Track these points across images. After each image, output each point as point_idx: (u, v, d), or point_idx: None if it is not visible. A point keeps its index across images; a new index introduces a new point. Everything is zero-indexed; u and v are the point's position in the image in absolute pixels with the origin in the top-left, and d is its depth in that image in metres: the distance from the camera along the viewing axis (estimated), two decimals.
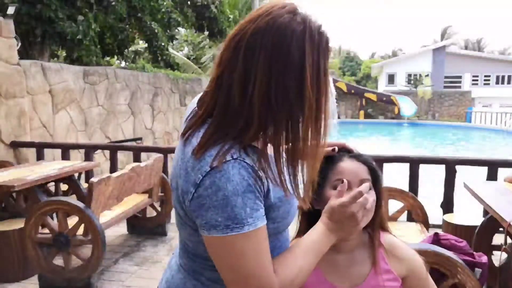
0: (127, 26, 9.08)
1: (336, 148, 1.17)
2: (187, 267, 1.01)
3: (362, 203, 0.97)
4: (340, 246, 1.16)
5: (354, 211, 0.96)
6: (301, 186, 0.97)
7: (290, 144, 0.88)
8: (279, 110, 0.84)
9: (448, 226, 3.31)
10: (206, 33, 11.85)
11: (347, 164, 1.12)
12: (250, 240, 0.84)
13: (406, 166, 4.03)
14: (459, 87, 27.86)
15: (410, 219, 3.51)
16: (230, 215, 0.81)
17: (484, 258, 1.96)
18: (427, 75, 26.34)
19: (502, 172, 3.75)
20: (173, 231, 4.39)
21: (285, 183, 0.89)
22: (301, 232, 1.22)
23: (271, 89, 0.83)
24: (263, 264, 0.86)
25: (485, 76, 28.40)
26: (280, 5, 0.87)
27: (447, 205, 3.96)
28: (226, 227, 0.82)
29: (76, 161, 4.83)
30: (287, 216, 0.96)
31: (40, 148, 4.97)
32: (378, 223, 1.16)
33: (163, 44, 9.88)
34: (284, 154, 0.89)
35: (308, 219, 1.21)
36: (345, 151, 1.19)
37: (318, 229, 0.98)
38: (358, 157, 1.14)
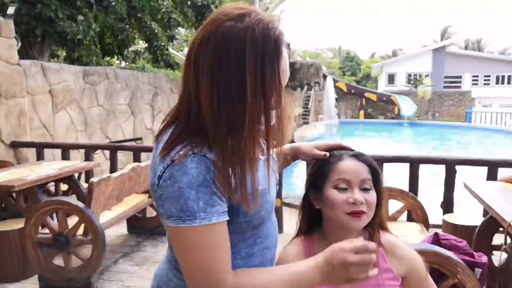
0: (127, 26, 9.07)
1: (328, 154, 1.16)
2: (170, 258, 1.04)
3: (362, 259, 0.88)
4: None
5: (351, 260, 0.88)
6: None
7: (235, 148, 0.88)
8: (222, 118, 0.85)
9: (448, 226, 3.31)
10: None
11: (348, 164, 1.11)
12: (202, 234, 0.85)
13: (406, 166, 4.03)
14: (459, 87, 27.85)
15: (410, 219, 3.51)
16: (182, 207, 0.84)
17: (484, 258, 1.96)
18: (427, 75, 26.35)
19: (502, 172, 3.75)
20: None
21: (232, 186, 0.88)
22: (301, 231, 1.23)
23: (214, 98, 0.85)
24: (215, 260, 0.87)
25: (485, 76, 28.40)
26: (224, 12, 0.88)
27: (447, 205, 3.96)
28: (179, 218, 0.85)
29: (76, 161, 4.83)
30: (260, 210, 0.96)
31: (40, 148, 4.97)
32: (377, 223, 1.16)
33: (163, 44, 9.88)
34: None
35: (308, 219, 1.22)
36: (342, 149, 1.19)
37: (308, 263, 0.93)
38: (359, 157, 1.14)
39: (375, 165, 1.15)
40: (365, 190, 1.10)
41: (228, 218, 0.89)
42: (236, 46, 0.84)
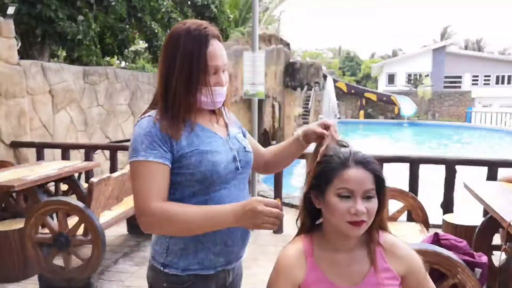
0: (127, 26, 9.06)
1: (326, 133, 1.31)
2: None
3: (270, 211, 1.12)
4: (339, 245, 1.17)
5: (260, 209, 1.12)
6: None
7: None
8: (163, 87, 1.27)
9: (448, 226, 3.31)
10: None
11: (353, 173, 1.10)
12: (142, 167, 1.19)
13: (406, 166, 4.03)
14: (459, 87, 27.85)
15: (410, 219, 3.51)
16: (133, 147, 1.22)
17: (484, 258, 1.96)
18: (427, 75, 26.35)
19: (502, 172, 3.75)
20: None
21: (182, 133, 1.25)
22: (304, 229, 1.23)
23: (161, 75, 1.28)
24: (146, 189, 1.19)
25: (485, 76, 28.39)
26: (183, 22, 1.31)
27: (447, 205, 3.96)
28: (131, 156, 1.22)
29: (76, 161, 4.82)
30: (200, 165, 1.23)
31: (40, 148, 4.97)
32: (377, 224, 1.17)
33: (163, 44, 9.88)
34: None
35: (310, 216, 1.22)
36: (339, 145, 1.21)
37: (226, 206, 1.19)
38: (366, 165, 1.12)
39: (380, 173, 1.14)
40: (367, 198, 1.10)
41: (165, 163, 1.21)
42: (176, 36, 1.26)
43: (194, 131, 1.27)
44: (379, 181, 1.13)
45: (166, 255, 1.28)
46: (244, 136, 1.46)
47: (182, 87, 1.24)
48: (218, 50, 1.27)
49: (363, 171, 1.11)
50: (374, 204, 1.11)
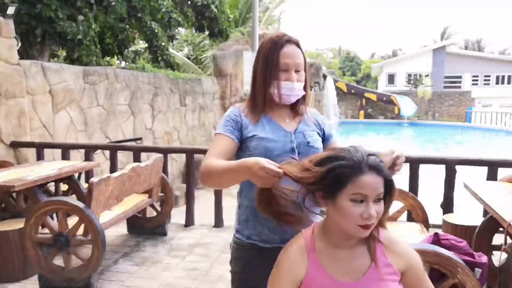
0: (127, 26, 9.05)
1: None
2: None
3: (270, 170, 1.19)
4: (341, 242, 1.19)
5: (263, 174, 1.20)
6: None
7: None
8: (253, 84, 1.61)
9: (448, 226, 3.31)
10: (206, 33, 11.82)
11: (367, 179, 1.11)
12: (215, 138, 1.55)
13: (406, 166, 4.03)
14: (459, 87, 27.83)
15: (410, 219, 3.51)
16: (218, 125, 1.59)
17: (484, 258, 1.96)
18: (427, 75, 26.33)
19: (502, 172, 3.74)
20: (173, 231, 4.39)
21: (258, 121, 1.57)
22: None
23: (253, 74, 1.61)
24: (211, 151, 1.51)
25: (485, 76, 28.38)
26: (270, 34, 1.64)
27: (447, 205, 3.96)
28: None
29: (76, 161, 4.82)
30: (256, 149, 1.51)
31: (40, 148, 4.97)
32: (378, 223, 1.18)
33: (163, 44, 9.86)
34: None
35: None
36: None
37: (244, 160, 1.33)
38: (378, 171, 1.13)
39: (391, 178, 1.16)
40: (377, 201, 1.13)
41: (231, 136, 1.53)
42: (261, 46, 1.58)
43: (262, 122, 1.56)
44: (388, 185, 1.15)
45: (238, 223, 1.60)
46: (324, 136, 1.67)
47: (260, 81, 1.55)
48: (291, 52, 1.54)
49: (376, 176, 1.12)
50: (382, 206, 1.14)
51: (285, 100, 1.56)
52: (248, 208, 1.54)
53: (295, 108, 1.62)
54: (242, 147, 1.55)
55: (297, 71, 1.54)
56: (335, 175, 1.13)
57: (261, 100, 1.55)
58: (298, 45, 1.57)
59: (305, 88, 1.60)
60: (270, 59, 1.52)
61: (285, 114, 1.61)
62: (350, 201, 1.11)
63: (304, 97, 1.62)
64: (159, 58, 10.06)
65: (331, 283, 1.15)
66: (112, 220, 3.38)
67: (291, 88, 1.53)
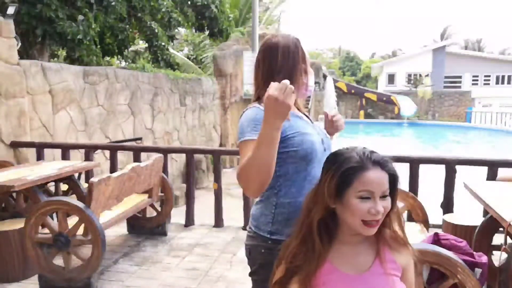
0: (127, 26, 9.05)
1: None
2: (264, 198, 1.57)
3: (279, 86, 1.23)
4: (346, 238, 1.21)
5: (271, 90, 1.23)
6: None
7: None
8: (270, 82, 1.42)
9: (448, 226, 3.31)
10: (207, 33, 11.82)
11: (373, 174, 1.13)
12: (247, 146, 1.40)
13: (406, 166, 4.03)
14: (459, 87, 27.84)
15: (410, 219, 3.50)
16: (241, 130, 1.48)
17: (484, 258, 1.96)
18: (427, 75, 26.33)
19: (502, 172, 3.74)
20: (173, 231, 4.39)
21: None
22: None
23: (263, 72, 1.59)
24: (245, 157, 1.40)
25: (485, 76, 28.38)
26: (268, 36, 1.64)
27: (447, 205, 3.96)
28: (239, 137, 1.48)
29: (76, 161, 4.82)
30: (302, 143, 1.48)
31: (40, 148, 4.96)
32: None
33: (163, 44, 9.86)
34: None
35: (323, 215, 1.22)
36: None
37: (260, 129, 1.33)
38: (383, 166, 1.16)
39: (395, 173, 1.18)
40: (383, 197, 1.15)
41: None
42: (272, 43, 1.57)
43: (293, 117, 1.49)
44: (392, 180, 1.17)
45: (272, 224, 1.50)
46: None
47: (287, 75, 1.49)
48: (306, 53, 1.62)
49: (380, 172, 1.15)
50: (388, 202, 1.16)
51: (310, 92, 1.63)
52: (291, 205, 1.48)
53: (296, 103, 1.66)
54: (280, 146, 1.41)
55: None
56: (342, 176, 1.15)
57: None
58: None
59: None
60: (296, 52, 1.56)
61: (294, 109, 1.62)
62: (357, 198, 1.13)
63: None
64: (159, 58, 10.06)
65: (337, 275, 1.17)
66: (112, 220, 3.38)
67: (313, 81, 1.63)
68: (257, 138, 1.33)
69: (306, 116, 1.67)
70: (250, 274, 1.57)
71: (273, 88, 1.25)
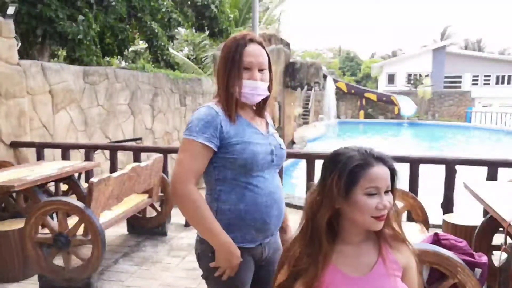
0: (127, 26, 9.05)
1: None
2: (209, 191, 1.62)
3: (227, 266, 1.46)
4: (348, 238, 1.21)
5: (224, 268, 1.47)
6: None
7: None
8: (218, 83, 1.56)
9: (448, 226, 3.31)
10: (207, 33, 11.82)
11: (378, 171, 1.15)
12: (190, 144, 1.44)
13: (406, 166, 4.03)
14: (459, 87, 27.84)
15: (410, 219, 3.50)
16: (189, 127, 1.48)
17: (484, 258, 1.96)
18: (427, 75, 26.33)
19: (502, 172, 3.74)
20: (173, 231, 4.39)
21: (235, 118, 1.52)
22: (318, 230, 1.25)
23: (217, 73, 1.55)
24: (188, 164, 1.44)
25: (485, 76, 28.37)
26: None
27: (447, 205, 3.96)
28: (185, 133, 1.48)
29: (76, 161, 4.82)
30: (243, 152, 1.46)
31: (40, 148, 4.97)
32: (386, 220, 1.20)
33: (163, 44, 9.86)
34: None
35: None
36: None
37: (224, 235, 1.46)
38: (385, 161, 1.18)
39: (394, 167, 1.20)
40: (386, 192, 1.17)
41: (211, 146, 1.45)
42: (225, 45, 1.54)
43: (240, 123, 1.50)
44: (392, 175, 1.19)
45: None
46: None
47: (224, 80, 1.50)
48: (254, 50, 1.51)
49: (383, 167, 1.17)
50: (391, 197, 1.18)
51: (248, 99, 1.52)
52: (231, 211, 1.49)
53: (259, 109, 1.61)
54: (222, 151, 1.47)
55: (260, 70, 1.51)
56: (349, 175, 1.16)
57: (230, 100, 1.50)
58: (261, 44, 1.54)
59: (269, 89, 1.57)
60: (232, 56, 1.48)
61: (253, 115, 1.59)
62: (365, 195, 1.14)
63: (266, 99, 1.59)
64: (159, 58, 10.06)
65: (341, 277, 1.17)
66: (112, 220, 3.38)
67: (254, 87, 1.50)
68: (214, 228, 1.44)
69: (267, 122, 1.63)
70: (203, 277, 1.59)
71: (222, 262, 1.45)
